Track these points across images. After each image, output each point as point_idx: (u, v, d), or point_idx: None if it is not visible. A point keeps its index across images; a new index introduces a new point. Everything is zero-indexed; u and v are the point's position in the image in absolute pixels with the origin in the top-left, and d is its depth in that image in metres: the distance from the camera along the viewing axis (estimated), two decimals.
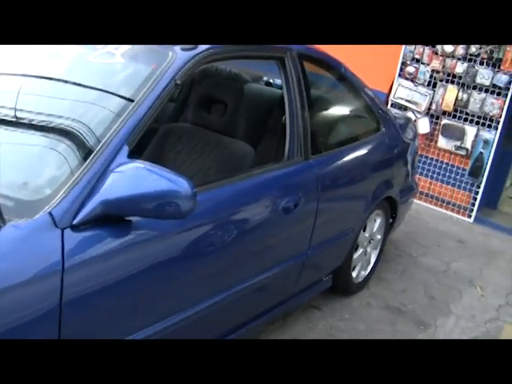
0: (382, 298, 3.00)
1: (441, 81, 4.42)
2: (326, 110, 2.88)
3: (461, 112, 4.35)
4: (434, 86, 4.45)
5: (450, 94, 4.36)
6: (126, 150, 1.52)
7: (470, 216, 4.44)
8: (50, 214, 1.35)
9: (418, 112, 4.52)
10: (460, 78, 4.31)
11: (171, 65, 1.71)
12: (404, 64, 4.59)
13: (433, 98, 4.46)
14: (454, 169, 4.49)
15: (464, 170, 4.44)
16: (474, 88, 4.27)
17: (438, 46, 4.37)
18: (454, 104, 4.35)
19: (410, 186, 3.29)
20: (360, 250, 2.91)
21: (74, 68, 1.87)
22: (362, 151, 2.72)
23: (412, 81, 4.56)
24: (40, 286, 1.30)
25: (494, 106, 4.19)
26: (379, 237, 3.07)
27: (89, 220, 1.40)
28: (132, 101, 1.61)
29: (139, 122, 1.57)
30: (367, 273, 3.06)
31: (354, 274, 2.91)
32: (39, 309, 1.30)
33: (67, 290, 1.35)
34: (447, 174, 4.53)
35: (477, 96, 4.25)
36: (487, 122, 4.26)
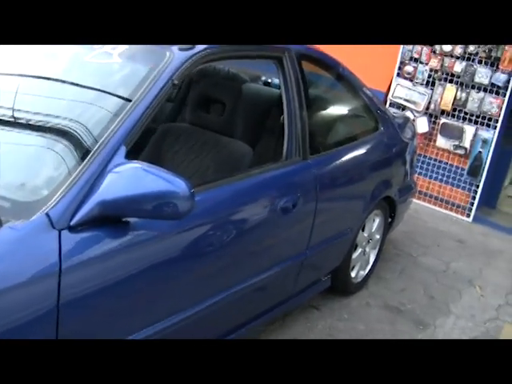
0: (381, 298, 2.99)
1: (439, 80, 4.42)
2: (325, 109, 2.87)
3: (459, 111, 4.35)
4: (433, 85, 4.45)
5: (448, 93, 4.36)
6: (123, 150, 1.51)
7: (468, 215, 4.44)
8: (47, 215, 1.35)
9: (417, 111, 4.52)
10: (458, 77, 4.31)
11: (168, 65, 1.70)
12: (402, 63, 4.58)
13: (431, 98, 4.46)
14: (453, 168, 4.49)
15: (463, 169, 4.43)
16: (473, 87, 4.27)
17: (437, 45, 4.36)
18: (453, 103, 4.35)
19: (409, 185, 3.29)
20: (359, 250, 2.90)
21: (71, 68, 1.86)
22: (361, 151, 2.72)
23: (410, 80, 4.55)
24: (37, 288, 1.30)
25: (492, 105, 4.19)
26: (378, 236, 3.07)
27: (86, 221, 1.40)
28: (129, 101, 1.61)
29: (137, 123, 1.57)
30: (366, 273, 3.06)
31: (352, 274, 2.91)
32: (36, 310, 1.30)
33: (64, 291, 1.34)
34: (446, 173, 4.52)
35: (475, 95, 4.25)
36: (486, 121, 4.26)
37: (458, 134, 4.35)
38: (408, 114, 4.43)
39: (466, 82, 4.28)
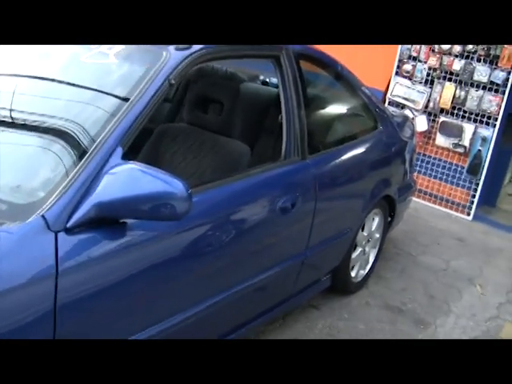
0: (382, 297, 2.98)
1: (438, 78, 4.41)
2: (323, 108, 2.86)
3: (458, 109, 4.34)
4: (432, 83, 4.44)
5: (447, 92, 4.35)
6: (120, 151, 1.50)
7: (468, 214, 4.43)
8: (43, 217, 1.34)
9: (416, 110, 4.51)
10: (457, 75, 4.30)
11: (165, 64, 1.69)
12: (401, 62, 4.57)
13: (430, 96, 4.45)
14: (453, 166, 4.48)
15: (462, 167, 4.42)
16: (472, 85, 4.26)
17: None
18: (452, 101, 4.34)
19: (409, 184, 3.27)
20: (358, 250, 2.89)
21: (66, 68, 1.84)
22: (360, 150, 2.71)
23: (409, 79, 4.54)
24: (33, 290, 1.29)
25: (491, 103, 4.18)
26: (378, 236, 3.06)
27: (83, 223, 1.39)
28: (126, 101, 1.59)
29: (133, 123, 1.56)
30: (366, 272, 3.05)
31: (352, 274, 2.90)
32: (33, 313, 1.29)
33: (61, 293, 1.33)
34: (445, 171, 4.51)
35: (474, 93, 4.24)
36: (485, 120, 4.25)
37: (458, 133, 4.34)
38: (407, 112, 4.43)
39: (465, 80, 4.27)
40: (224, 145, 2.12)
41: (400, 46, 4.55)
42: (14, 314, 1.26)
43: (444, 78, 4.38)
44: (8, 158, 1.52)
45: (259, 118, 2.49)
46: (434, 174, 4.57)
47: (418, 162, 4.57)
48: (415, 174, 4.41)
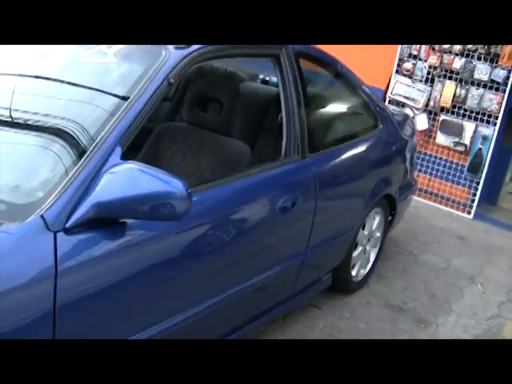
0: (382, 296, 2.98)
1: (438, 77, 4.40)
2: (323, 107, 2.85)
3: (459, 108, 4.33)
4: (432, 82, 4.43)
5: (447, 90, 4.34)
6: (119, 150, 1.49)
7: (469, 212, 4.42)
8: (42, 217, 1.33)
9: (416, 108, 4.50)
10: (458, 73, 4.29)
11: (164, 63, 1.68)
12: (401, 60, 4.56)
13: (430, 94, 4.44)
14: (453, 165, 4.47)
15: (463, 166, 4.42)
16: (472, 83, 4.25)
17: None
18: (452, 100, 4.33)
19: (409, 183, 3.27)
20: (359, 249, 2.88)
21: (65, 68, 1.84)
22: (360, 149, 2.70)
23: (409, 77, 4.53)
24: (32, 291, 1.28)
25: (492, 101, 4.17)
26: (378, 235, 3.05)
27: (82, 223, 1.38)
28: (125, 100, 1.59)
29: (133, 122, 1.55)
30: (367, 271, 3.04)
31: (353, 273, 2.89)
32: (32, 314, 1.28)
33: (61, 294, 1.32)
34: (446, 170, 4.51)
35: (475, 91, 4.23)
36: (485, 118, 4.24)
37: (458, 131, 4.33)
38: (407, 111, 4.42)
39: (465, 79, 4.26)
40: (224, 144, 2.11)
41: (400, 45, 4.53)
42: (13, 315, 1.25)
43: (444, 76, 4.37)
44: (6, 157, 1.52)
45: (259, 117, 2.48)
46: (434, 172, 4.56)
47: (419, 161, 4.56)
48: (416, 172, 4.41)
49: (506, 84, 4.10)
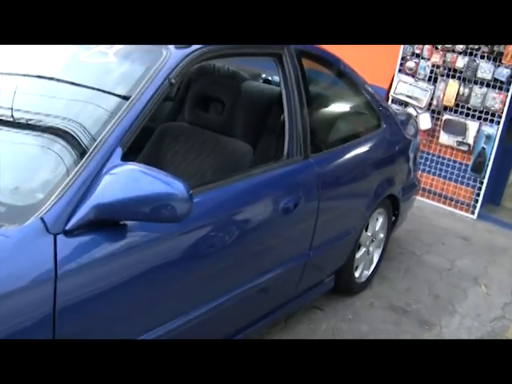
0: (386, 298, 2.96)
1: (441, 76, 4.37)
2: (326, 107, 2.83)
3: (462, 107, 4.31)
4: (435, 80, 4.41)
5: (451, 89, 4.31)
6: (119, 151, 1.48)
7: (473, 212, 4.40)
8: (42, 219, 1.31)
9: (419, 108, 4.47)
10: (461, 72, 4.26)
11: (165, 63, 1.66)
12: (404, 59, 4.54)
13: (434, 93, 4.41)
14: (457, 165, 4.44)
15: (466, 165, 4.39)
16: (476, 82, 4.22)
17: None
18: (456, 99, 4.30)
19: (412, 183, 3.24)
20: (362, 250, 2.86)
21: (65, 68, 1.82)
22: (363, 149, 2.68)
23: (412, 76, 4.51)
24: (32, 294, 1.27)
25: (495, 100, 4.14)
26: (382, 236, 3.03)
27: (82, 225, 1.36)
28: (125, 101, 1.57)
29: (133, 123, 1.53)
30: (370, 272, 3.02)
31: (356, 274, 2.87)
32: (31, 317, 1.27)
33: (61, 297, 1.31)
34: (449, 170, 4.48)
35: (478, 90, 4.20)
36: (489, 117, 4.21)
37: (461, 130, 4.31)
38: (410, 110, 4.40)
39: (468, 78, 4.23)
40: (225, 144, 2.10)
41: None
42: (13, 318, 1.23)
43: (447, 75, 4.34)
44: (6, 158, 1.50)
45: (261, 116, 2.46)
46: (437, 172, 4.54)
47: (422, 161, 4.54)
48: (419, 172, 4.38)
49: (509, 83, 4.08)
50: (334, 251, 2.56)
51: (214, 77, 2.55)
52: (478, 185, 4.35)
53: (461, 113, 4.32)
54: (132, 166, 1.41)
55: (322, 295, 2.76)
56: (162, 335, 1.62)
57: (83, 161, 1.43)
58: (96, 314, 1.43)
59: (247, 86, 2.58)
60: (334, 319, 2.68)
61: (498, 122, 4.17)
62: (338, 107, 2.92)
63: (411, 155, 3.13)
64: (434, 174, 4.55)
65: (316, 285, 2.57)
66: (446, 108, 4.39)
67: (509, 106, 4.11)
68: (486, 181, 4.29)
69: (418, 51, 4.45)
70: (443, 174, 4.51)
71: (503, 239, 4.08)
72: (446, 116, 4.38)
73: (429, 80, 4.43)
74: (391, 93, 4.63)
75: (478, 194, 4.36)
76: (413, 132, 3.21)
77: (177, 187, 1.39)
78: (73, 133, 1.52)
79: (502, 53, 4.07)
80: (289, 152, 2.13)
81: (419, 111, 4.47)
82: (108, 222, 1.41)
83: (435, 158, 4.54)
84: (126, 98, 1.58)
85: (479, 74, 4.17)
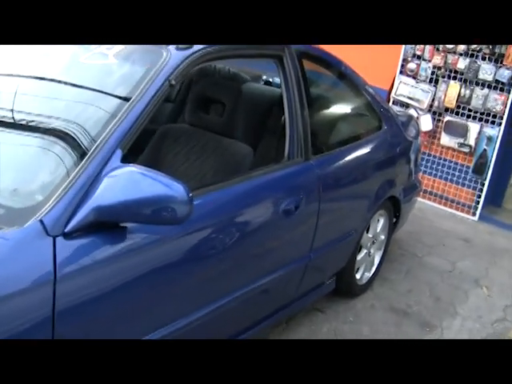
0: (387, 300, 2.95)
1: (443, 77, 4.36)
2: (327, 108, 2.83)
3: (463, 108, 4.30)
4: (436, 82, 4.40)
5: (452, 91, 4.30)
6: (119, 153, 1.47)
7: (474, 214, 4.38)
8: (41, 221, 1.31)
9: (420, 109, 4.47)
10: (462, 73, 4.25)
11: (165, 65, 1.66)
12: (405, 61, 4.53)
13: (435, 95, 4.40)
14: (458, 166, 4.43)
15: (468, 167, 4.38)
16: (477, 84, 4.21)
17: None
18: (457, 100, 4.29)
19: (414, 184, 3.24)
20: (363, 252, 2.85)
21: (65, 69, 1.81)
22: (364, 150, 2.67)
23: (413, 77, 4.50)
24: (31, 296, 1.26)
25: (497, 101, 4.14)
26: (383, 237, 3.02)
27: (82, 227, 1.36)
28: (125, 102, 1.56)
29: (133, 124, 1.52)
30: (371, 274, 3.01)
31: (357, 276, 2.86)
32: (30, 319, 1.26)
33: (60, 299, 1.30)
34: (451, 171, 4.47)
35: (479, 92, 4.19)
36: (490, 119, 4.20)
37: (463, 132, 4.30)
38: (411, 111, 4.39)
39: (469, 79, 4.22)
40: (226, 146, 2.09)
41: (404, 45, 4.50)
42: (12, 320, 1.23)
43: (449, 76, 4.34)
44: (4, 160, 1.50)
45: (262, 118, 2.46)
46: (439, 173, 4.53)
47: (423, 162, 4.53)
48: (420, 174, 4.37)
49: (510, 84, 4.06)
50: (335, 253, 2.55)
51: (215, 78, 2.54)
52: (480, 186, 4.34)
53: (462, 114, 4.31)
54: (132, 168, 1.40)
55: (323, 297, 2.75)
56: (162, 337, 1.61)
57: (83, 162, 1.43)
58: (96, 316, 1.42)
59: (248, 88, 2.58)
60: (334, 321, 2.67)
61: (500, 124, 4.16)
62: (339, 109, 2.92)
63: (412, 157, 3.13)
64: (435, 175, 4.54)
65: (317, 287, 2.56)
66: (447, 109, 4.38)
67: (510, 108, 4.10)
68: (487, 182, 4.28)
69: (419, 52, 4.44)
70: (444, 175, 4.50)
71: (504, 241, 4.07)
72: (447, 117, 4.37)
73: (430, 81, 4.42)
74: (392, 94, 4.62)
75: (480, 196, 4.34)
76: (414, 133, 3.20)
77: (177, 189, 1.38)
78: (72, 134, 1.52)
79: (504, 54, 4.06)
80: (289, 154, 2.13)
81: (420, 113, 4.46)
82: (108, 224, 1.41)
83: (436, 160, 4.53)
84: (126, 99, 1.58)
85: (480, 76, 4.16)
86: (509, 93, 4.08)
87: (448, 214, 4.44)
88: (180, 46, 1.72)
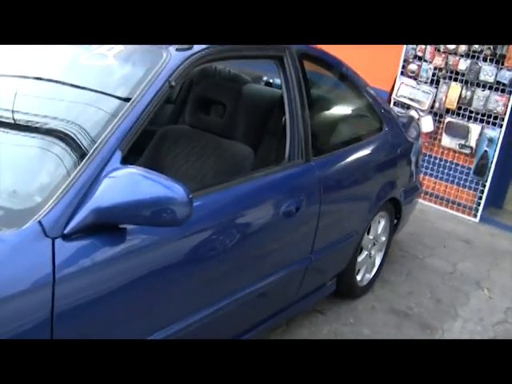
0: (387, 302, 2.94)
1: (444, 78, 4.36)
2: (328, 110, 2.82)
3: (464, 110, 4.29)
4: (437, 83, 4.39)
5: (453, 92, 4.30)
6: (119, 154, 1.46)
7: (475, 215, 4.37)
8: (40, 223, 1.30)
9: (421, 110, 4.46)
10: (463, 75, 4.25)
11: (165, 65, 1.65)
12: (406, 62, 4.52)
13: (436, 96, 4.40)
14: (459, 168, 4.42)
15: (469, 168, 4.37)
16: (478, 85, 4.20)
17: None
18: (458, 102, 4.29)
19: (414, 186, 3.23)
20: (364, 253, 2.85)
21: (65, 70, 1.81)
22: (365, 151, 2.66)
23: (414, 79, 4.49)
24: (30, 298, 1.25)
25: (498, 103, 4.13)
26: (384, 239, 3.01)
27: (81, 229, 1.35)
28: (125, 103, 1.56)
29: (133, 125, 1.52)
30: (372, 276, 3.00)
31: (358, 278, 2.85)
32: (29, 321, 1.25)
33: (59, 301, 1.30)
34: (452, 173, 4.46)
35: (480, 93, 4.18)
36: (491, 120, 4.19)
37: (464, 133, 4.29)
38: (412, 113, 4.38)
39: (470, 80, 4.22)
40: (226, 147, 2.08)
41: (405, 46, 4.50)
42: (10, 323, 1.22)
43: (450, 77, 4.33)
44: (3, 161, 1.49)
45: (262, 119, 2.45)
46: (440, 175, 4.52)
47: (424, 164, 4.52)
48: (421, 175, 4.36)
49: (511, 85, 4.06)
50: (336, 254, 2.54)
51: (215, 79, 2.54)
52: (481, 188, 4.33)
53: (463, 115, 4.30)
54: (131, 170, 1.40)
55: (324, 299, 2.74)
56: (161, 340, 1.60)
57: (82, 164, 1.42)
58: (95, 318, 1.42)
59: (248, 89, 2.57)
60: (335, 323, 2.66)
61: (501, 125, 4.15)
62: (340, 110, 2.91)
63: (413, 158, 3.12)
64: (436, 177, 4.53)
65: (317, 288, 2.55)
66: (448, 111, 4.37)
67: (511, 109, 4.09)
68: (488, 184, 4.27)
69: (420, 54, 4.43)
70: (445, 177, 4.49)
71: (506, 242, 4.06)
72: (448, 119, 4.36)
73: (431, 83, 4.42)
74: (393, 95, 4.61)
75: (481, 197, 4.33)
76: (415, 135, 3.20)
77: (177, 191, 1.38)
78: (72, 135, 1.51)
79: (505, 55, 4.05)
80: (290, 155, 2.12)
81: (421, 114, 4.45)
82: (107, 225, 1.40)
83: (437, 161, 4.52)
84: (125, 100, 1.57)
85: (481, 77, 4.15)
86: (510, 94, 4.07)
87: (449, 215, 4.43)
88: (180, 46, 1.71)
